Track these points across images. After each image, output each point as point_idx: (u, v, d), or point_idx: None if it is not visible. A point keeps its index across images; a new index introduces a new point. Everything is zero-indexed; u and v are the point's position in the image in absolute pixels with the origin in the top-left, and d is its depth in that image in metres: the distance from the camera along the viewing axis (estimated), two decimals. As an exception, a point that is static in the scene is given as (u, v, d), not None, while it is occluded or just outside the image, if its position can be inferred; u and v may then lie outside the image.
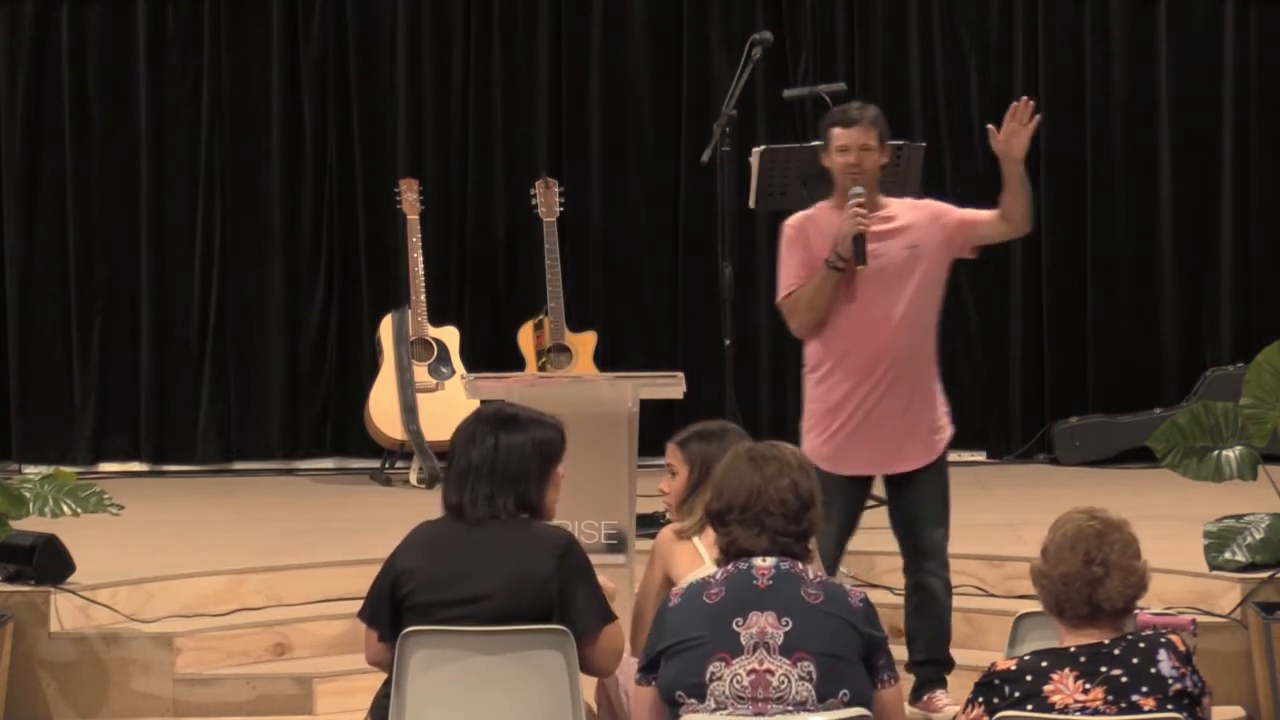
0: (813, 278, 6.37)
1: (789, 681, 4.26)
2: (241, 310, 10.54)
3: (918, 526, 6.43)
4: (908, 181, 7.90)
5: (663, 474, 5.58)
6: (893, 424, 6.39)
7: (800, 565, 4.39)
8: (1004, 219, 6.43)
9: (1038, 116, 6.33)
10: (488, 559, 4.75)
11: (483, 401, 5.31)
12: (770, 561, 4.37)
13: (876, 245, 6.36)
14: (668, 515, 5.86)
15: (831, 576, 4.97)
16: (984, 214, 6.49)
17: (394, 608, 4.81)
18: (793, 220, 6.53)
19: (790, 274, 6.45)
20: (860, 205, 6.31)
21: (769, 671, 4.26)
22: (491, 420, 4.94)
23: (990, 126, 6.36)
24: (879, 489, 6.64)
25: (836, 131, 6.41)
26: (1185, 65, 10.46)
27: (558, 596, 4.74)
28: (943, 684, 6.41)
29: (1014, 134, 6.31)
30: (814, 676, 4.26)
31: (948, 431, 6.51)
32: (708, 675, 4.28)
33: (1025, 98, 6.38)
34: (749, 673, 4.27)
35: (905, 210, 6.49)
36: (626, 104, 10.56)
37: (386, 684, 4.85)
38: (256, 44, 10.53)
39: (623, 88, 10.57)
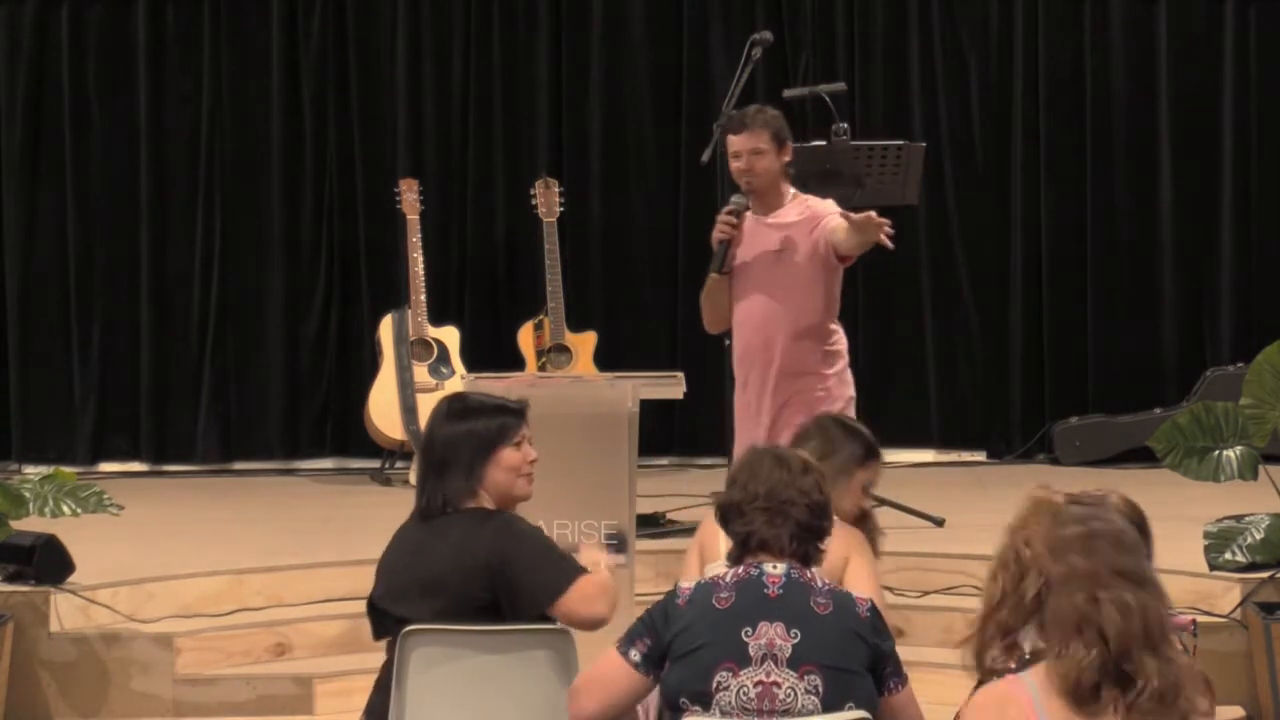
0: None
1: (795, 694, 4.24)
2: (241, 310, 10.53)
3: None
4: (908, 181, 7.90)
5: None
6: (767, 417, 6.54)
7: (810, 573, 4.37)
8: (841, 245, 6.54)
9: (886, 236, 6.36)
10: (436, 553, 4.79)
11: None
12: (781, 569, 4.34)
13: (752, 246, 6.52)
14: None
15: None
16: (839, 224, 6.52)
17: (372, 606, 4.86)
18: None
19: None
20: (730, 213, 6.43)
21: (776, 684, 4.24)
22: (436, 413, 5.00)
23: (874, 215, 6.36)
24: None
25: (729, 138, 6.55)
26: (1185, 65, 10.46)
27: (504, 572, 4.71)
28: None
29: (866, 232, 6.34)
30: (820, 689, 4.23)
31: None
32: (714, 684, 4.26)
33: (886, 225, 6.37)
34: (756, 684, 4.24)
35: (797, 210, 6.60)
36: (626, 104, 10.56)
37: (378, 683, 4.85)
38: (256, 44, 10.53)
39: (623, 88, 10.56)
